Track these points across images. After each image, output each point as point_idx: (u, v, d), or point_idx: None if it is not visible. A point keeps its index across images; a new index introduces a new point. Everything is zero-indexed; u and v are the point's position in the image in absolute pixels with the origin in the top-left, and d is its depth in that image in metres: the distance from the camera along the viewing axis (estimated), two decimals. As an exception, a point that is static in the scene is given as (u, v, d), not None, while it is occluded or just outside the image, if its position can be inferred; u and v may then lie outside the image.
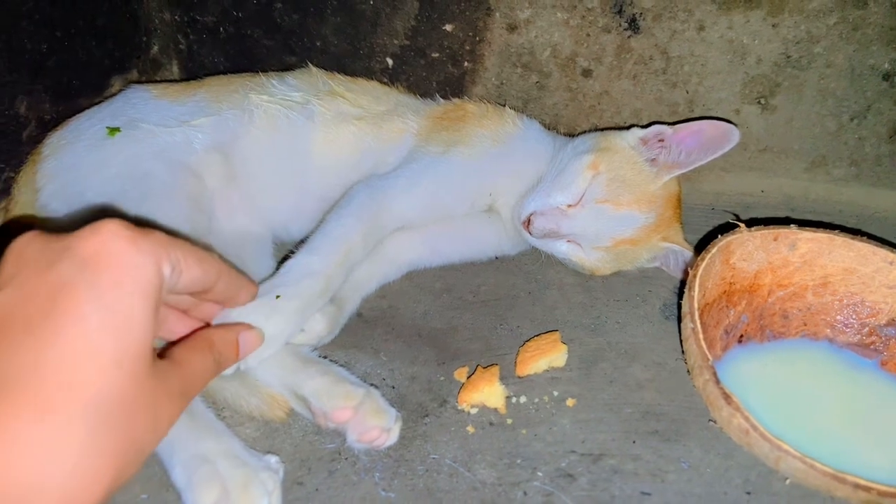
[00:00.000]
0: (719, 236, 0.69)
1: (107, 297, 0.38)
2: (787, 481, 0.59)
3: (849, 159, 1.02)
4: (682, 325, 0.64)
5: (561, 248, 0.84)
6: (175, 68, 1.11)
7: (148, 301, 0.39)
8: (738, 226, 0.71)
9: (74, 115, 0.86)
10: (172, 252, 0.42)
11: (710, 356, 0.59)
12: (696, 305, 0.62)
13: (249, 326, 0.56)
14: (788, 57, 0.95)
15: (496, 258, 0.92)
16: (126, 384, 0.38)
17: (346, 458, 0.61)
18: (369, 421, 0.61)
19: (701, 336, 0.60)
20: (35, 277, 0.38)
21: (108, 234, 0.39)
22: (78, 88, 0.95)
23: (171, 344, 0.49)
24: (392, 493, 0.58)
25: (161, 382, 0.41)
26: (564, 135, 0.95)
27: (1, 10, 0.81)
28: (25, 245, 0.40)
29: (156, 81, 1.03)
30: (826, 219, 0.97)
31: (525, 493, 0.58)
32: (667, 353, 0.75)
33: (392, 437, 0.63)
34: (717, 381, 0.57)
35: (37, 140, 0.85)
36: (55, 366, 0.36)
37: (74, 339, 0.36)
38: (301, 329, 0.69)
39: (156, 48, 1.08)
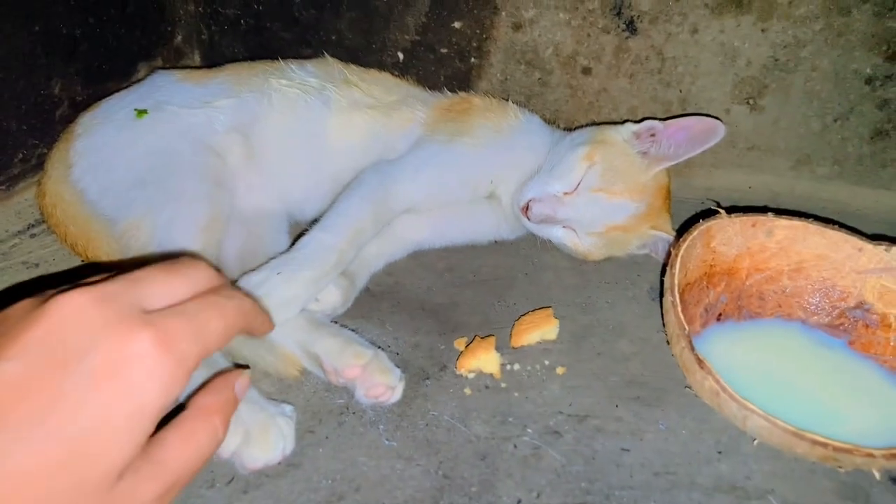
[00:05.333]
0: (701, 221, 0.75)
1: (101, 423, 0.35)
2: (755, 442, 0.64)
3: (832, 158, 1.07)
4: (663, 299, 0.70)
5: (557, 234, 0.89)
6: (197, 57, 1.17)
7: (145, 426, 0.37)
8: (718, 212, 0.76)
9: (104, 97, 0.91)
10: (203, 343, 0.39)
11: (686, 326, 0.64)
12: (676, 281, 0.68)
13: (239, 374, 0.47)
14: (776, 60, 1.00)
15: (496, 242, 0.98)
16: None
17: (354, 412, 0.67)
18: (376, 378, 0.67)
19: (679, 308, 0.66)
20: (48, 371, 0.35)
21: (140, 346, 0.36)
22: (107, 72, 1.01)
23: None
24: (394, 442, 0.64)
25: (126, 498, 0.37)
26: (563, 129, 1.01)
27: (40, -4, 0.87)
28: (64, 318, 0.36)
29: (180, 67, 1.09)
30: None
31: (515, 447, 0.64)
32: (652, 331, 0.80)
33: (396, 395, 0.68)
34: (692, 348, 0.63)
35: (68, 119, 0.91)
36: (12, 471, 0.33)
37: (47, 453, 0.34)
38: (316, 299, 0.75)
39: (179, 37, 1.14)
